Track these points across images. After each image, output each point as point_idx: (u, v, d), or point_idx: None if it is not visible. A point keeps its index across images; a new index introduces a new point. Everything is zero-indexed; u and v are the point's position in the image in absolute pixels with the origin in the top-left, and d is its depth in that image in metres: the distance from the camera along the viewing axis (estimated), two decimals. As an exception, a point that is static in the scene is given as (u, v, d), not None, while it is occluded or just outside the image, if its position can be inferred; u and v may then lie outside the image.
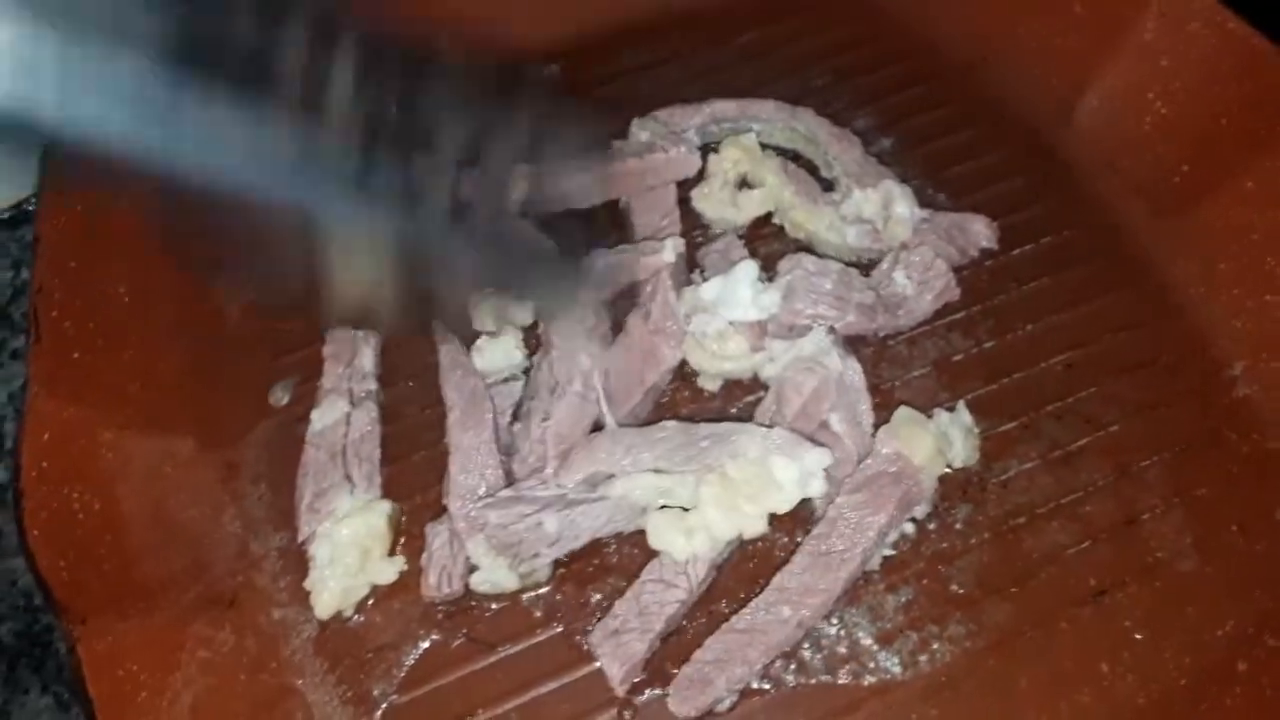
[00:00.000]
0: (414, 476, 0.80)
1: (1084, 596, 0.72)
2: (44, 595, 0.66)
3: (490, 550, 0.71)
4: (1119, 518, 0.74)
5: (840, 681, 0.70)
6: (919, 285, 0.81)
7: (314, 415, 0.81)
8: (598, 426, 0.77)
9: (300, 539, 0.76)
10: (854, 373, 0.76)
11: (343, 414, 0.80)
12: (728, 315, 0.78)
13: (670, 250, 0.81)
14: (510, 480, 0.75)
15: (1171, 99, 0.87)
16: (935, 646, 0.70)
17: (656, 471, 0.71)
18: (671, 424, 0.74)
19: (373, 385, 0.83)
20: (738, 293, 0.78)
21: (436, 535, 0.75)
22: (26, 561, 0.66)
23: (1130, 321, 0.83)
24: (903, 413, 0.76)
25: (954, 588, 0.72)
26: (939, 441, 0.74)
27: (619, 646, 0.69)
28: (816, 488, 0.70)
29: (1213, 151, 0.84)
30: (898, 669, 0.70)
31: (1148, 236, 0.87)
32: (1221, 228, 0.83)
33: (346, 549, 0.74)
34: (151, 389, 0.81)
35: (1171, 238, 0.86)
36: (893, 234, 0.84)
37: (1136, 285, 0.85)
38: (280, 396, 0.85)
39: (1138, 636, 0.70)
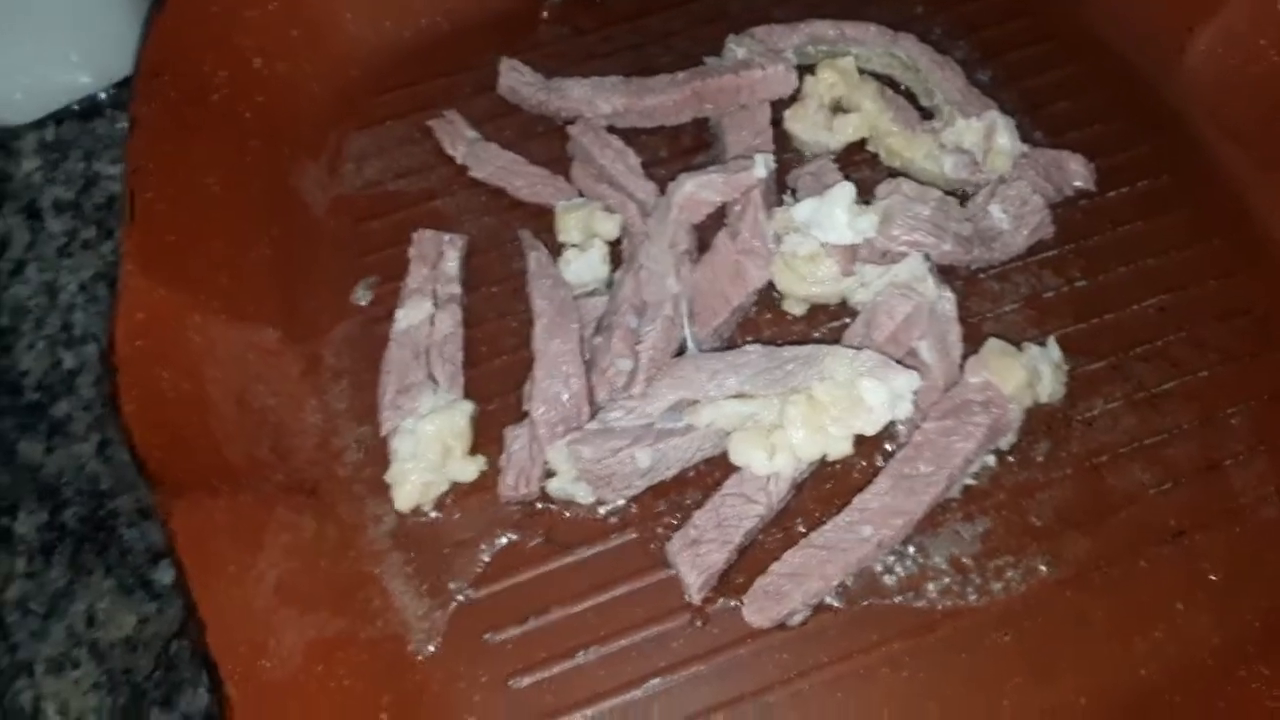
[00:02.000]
0: (495, 381, 0.80)
1: (1163, 536, 0.72)
2: (138, 468, 0.67)
3: (580, 481, 0.71)
4: (1202, 462, 0.74)
5: (915, 604, 0.70)
6: (1015, 220, 0.80)
7: (398, 314, 0.81)
8: (680, 349, 0.77)
9: (382, 433, 0.77)
10: (947, 302, 0.76)
11: (427, 314, 0.81)
12: (821, 237, 0.77)
13: (761, 166, 0.80)
14: (592, 393, 0.75)
15: (1284, 45, 0.85)
16: (1010, 575, 0.71)
17: (741, 396, 0.70)
18: (755, 348, 0.73)
19: (457, 289, 0.83)
20: (833, 214, 0.77)
21: (515, 439, 0.75)
22: (123, 435, 0.67)
23: (1225, 270, 0.82)
24: (994, 343, 0.75)
25: (1033, 520, 0.73)
26: (1029, 374, 0.74)
27: (697, 556, 0.70)
28: (904, 410, 0.70)
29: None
30: (974, 596, 0.70)
31: (1248, 187, 0.85)
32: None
33: (429, 444, 0.74)
34: (238, 278, 0.81)
35: (1272, 189, 0.84)
36: (993, 166, 0.82)
37: (1233, 235, 0.83)
38: (363, 295, 0.85)
39: (1213, 578, 0.70)
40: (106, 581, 0.80)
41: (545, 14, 1.01)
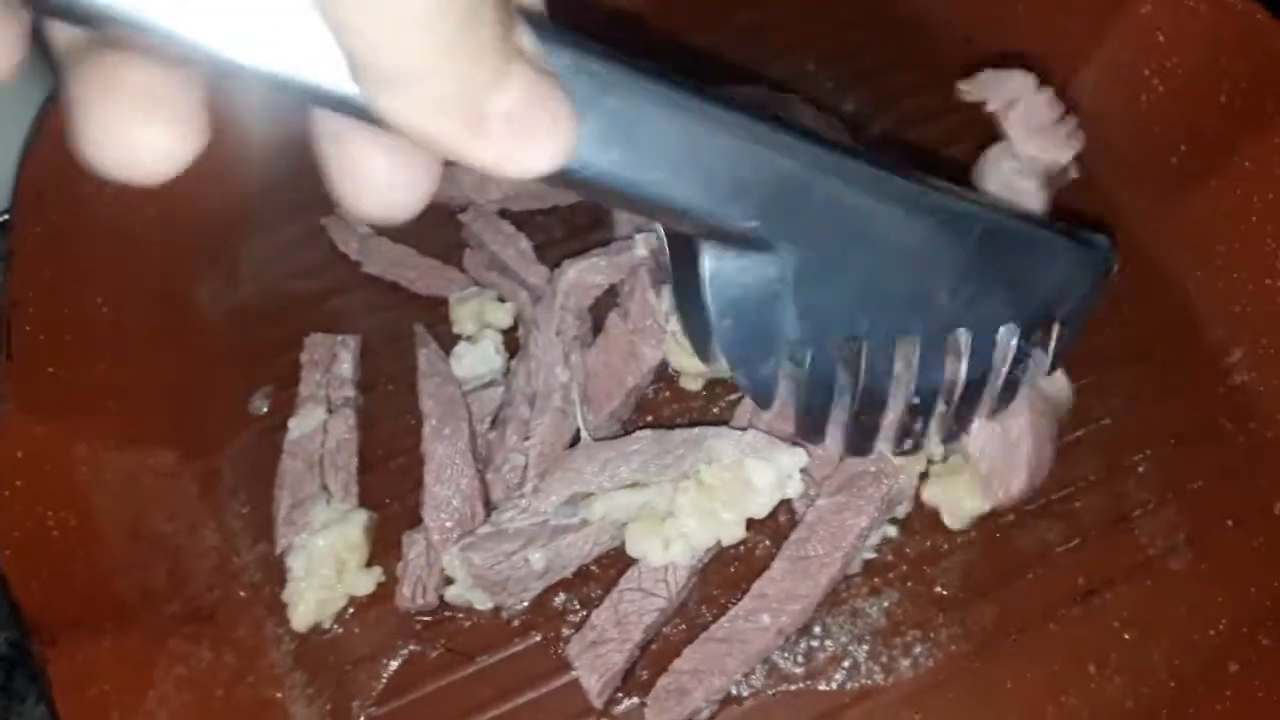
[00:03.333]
0: (393, 483, 0.79)
1: (1072, 596, 0.70)
2: (15, 616, 0.66)
3: (476, 588, 0.70)
4: (1110, 515, 0.73)
5: (821, 688, 0.68)
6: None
7: (291, 424, 0.80)
8: (575, 438, 0.75)
9: (278, 551, 0.75)
10: (835, 372, 0.74)
11: (320, 422, 0.80)
12: (707, 314, 0.76)
13: (642, 246, 0.79)
14: (486, 493, 0.74)
15: (1169, 76, 0.84)
16: (919, 650, 0.69)
17: (634, 485, 0.69)
18: (646, 434, 0.72)
19: (350, 392, 0.82)
20: (717, 291, 0.75)
21: (413, 545, 0.74)
22: (-1, 583, 0.66)
23: (1125, 312, 0.80)
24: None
25: (939, 589, 0.71)
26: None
27: (597, 658, 0.68)
28: (794, 489, 0.69)
29: (1210, 131, 0.81)
30: (880, 675, 0.68)
31: (1143, 221, 0.84)
32: (1218, 210, 0.80)
33: (323, 560, 0.73)
34: (129, 401, 0.80)
35: (1167, 222, 0.83)
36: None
37: (1132, 273, 0.81)
38: (260, 405, 0.84)
39: (1126, 637, 0.69)
40: (39, 708, 0.78)
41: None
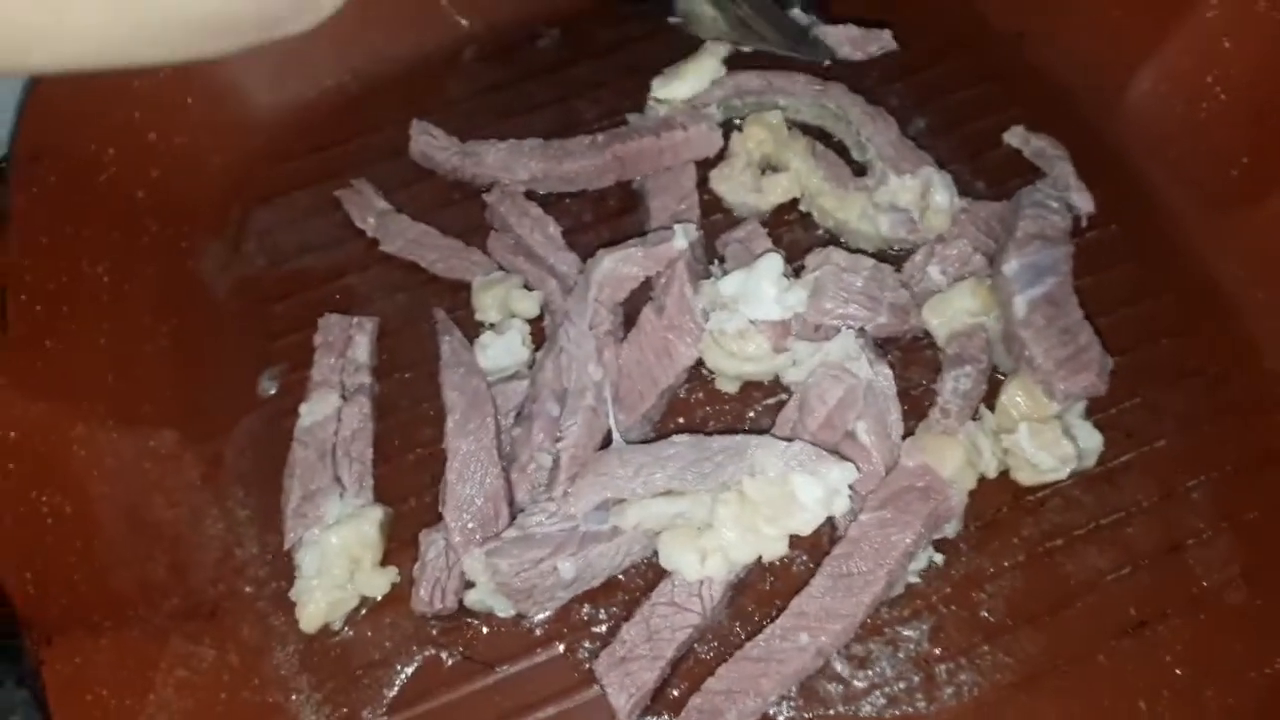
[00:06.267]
0: (409, 478, 0.75)
1: (1123, 628, 0.67)
2: (7, 611, 0.61)
3: (498, 594, 0.66)
4: (1163, 543, 0.70)
5: (861, 714, 0.65)
6: (955, 281, 0.76)
7: (303, 409, 0.76)
8: (605, 440, 0.72)
9: (286, 546, 0.71)
10: (884, 379, 0.71)
11: (333, 409, 0.75)
12: (749, 313, 0.72)
13: (682, 236, 0.75)
14: (510, 493, 0.70)
15: (1232, 84, 0.81)
16: (963, 679, 0.66)
17: (669, 493, 0.65)
18: (683, 438, 0.68)
19: (366, 378, 0.78)
20: (761, 289, 0.72)
21: (431, 544, 0.70)
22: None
23: (1178, 327, 0.77)
24: (929, 423, 0.71)
25: (984, 614, 0.68)
26: (968, 452, 0.69)
27: (626, 675, 0.65)
28: (841, 506, 0.65)
29: (1274, 145, 0.78)
30: (923, 703, 0.66)
31: (1200, 235, 0.81)
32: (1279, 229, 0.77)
33: (335, 558, 0.69)
34: (129, 378, 0.76)
35: (1225, 237, 0.80)
36: (931, 225, 0.77)
37: (1186, 288, 0.79)
38: (268, 387, 0.80)
39: (1178, 673, 0.66)
40: (19, 693, 0.74)
41: (470, 56, 0.96)
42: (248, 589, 0.72)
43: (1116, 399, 0.73)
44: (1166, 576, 0.69)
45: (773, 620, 0.66)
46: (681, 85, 0.85)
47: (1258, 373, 0.75)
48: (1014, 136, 0.84)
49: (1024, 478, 0.70)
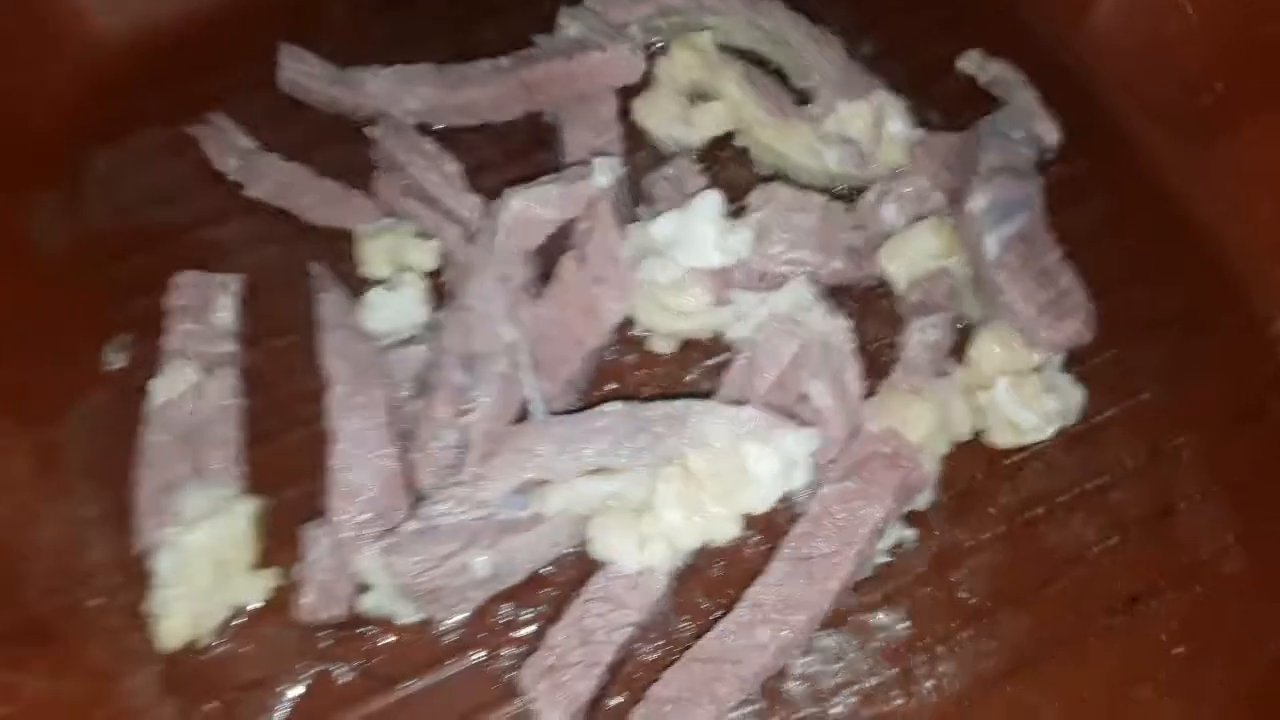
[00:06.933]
0: (288, 462, 0.64)
1: (1114, 604, 0.62)
2: None
3: (400, 598, 0.56)
4: (1152, 508, 0.64)
5: (831, 714, 0.58)
6: (913, 221, 0.68)
7: (154, 385, 0.65)
8: (522, 412, 0.62)
9: (137, 548, 0.61)
10: (840, 332, 0.63)
11: (191, 384, 0.65)
12: (684, 260, 0.64)
13: (603, 174, 0.66)
14: (410, 478, 0.60)
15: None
16: (943, 670, 0.60)
17: (600, 471, 0.56)
18: (614, 407, 0.60)
19: (231, 346, 0.68)
20: (697, 232, 0.64)
21: (315, 542, 0.60)
22: None
23: (1154, 270, 0.72)
24: (893, 381, 0.64)
25: (962, 596, 0.61)
26: (939, 413, 0.62)
27: (557, 687, 0.56)
28: (800, 478, 0.58)
29: (1250, 68, 0.73)
30: (899, 699, 0.59)
31: (1174, 168, 0.76)
32: (1259, 159, 0.72)
33: (198, 561, 0.59)
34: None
35: (1201, 171, 0.75)
36: (884, 158, 0.71)
37: (1161, 226, 0.74)
38: (113, 360, 0.68)
39: (1178, 652, 0.60)
40: None
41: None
42: (93, 602, 0.61)
43: (1092, 351, 0.67)
44: (1157, 546, 0.63)
45: (726, 613, 0.58)
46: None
47: (1241, 316, 0.71)
48: (969, 62, 0.77)
49: (1002, 439, 0.63)
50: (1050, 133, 0.72)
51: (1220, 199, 0.73)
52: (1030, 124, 0.72)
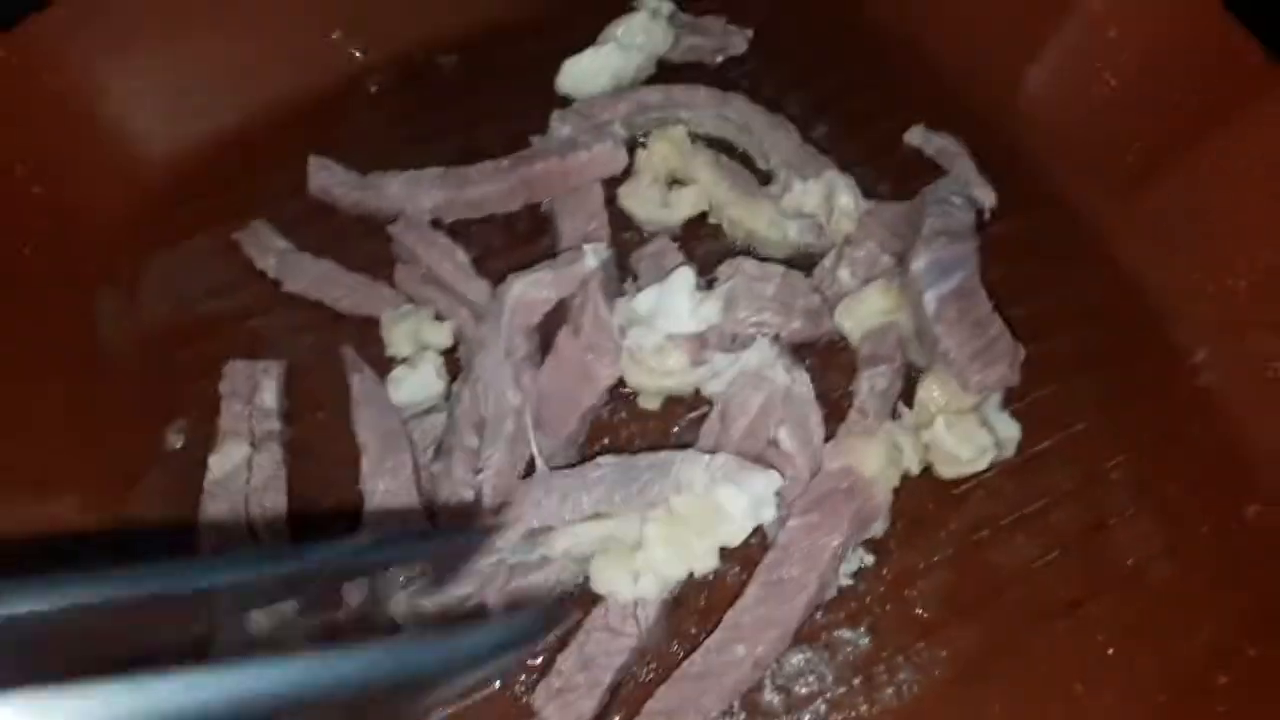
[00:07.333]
0: (328, 524, 0.72)
1: (1055, 611, 0.68)
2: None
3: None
4: (1087, 525, 0.71)
5: (803, 719, 0.65)
6: (865, 283, 0.76)
7: (211, 461, 0.73)
8: (529, 467, 0.70)
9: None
10: (802, 384, 0.70)
11: (244, 458, 0.73)
12: (665, 328, 0.71)
13: (593, 256, 0.74)
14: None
15: (1121, 71, 0.82)
16: (902, 677, 0.66)
17: (597, 517, 0.64)
18: (608, 460, 0.67)
19: (275, 424, 0.75)
20: (675, 303, 0.71)
21: (350, 591, 0.67)
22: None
23: (1086, 313, 0.79)
24: (848, 424, 0.71)
25: (918, 611, 0.68)
26: (889, 450, 0.70)
27: (565, 707, 0.63)
28: (768, 514, 0.65)
29: (1165, 126, 0.80)
30: (864, 705, 0.65)
31: (1102, 221, 0.82)
32: (1177, 208, 0.79)
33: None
34: (22, 443, 0.72)
35: (1126, 221, 0.81)
36: (837, 228, 0.78)
37: (1091, 274, 0.80)
38: (174, 440, 0.76)
39: (1111, 651, 0.66)
40: None
41: (374, 88, 0.94)
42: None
43: (1031, 388, 0.74)
44: (1093, 558, 0.69)
45: (708, 635, 0.65)
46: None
47: (1165, 349, 0.77)
48: (914, 136, 0.85)
49: (946, 471, 0.70)
50: (987, 195, 0.80)
51: (1144, 246, 0.80)
52: (968, 189, 0.80)
